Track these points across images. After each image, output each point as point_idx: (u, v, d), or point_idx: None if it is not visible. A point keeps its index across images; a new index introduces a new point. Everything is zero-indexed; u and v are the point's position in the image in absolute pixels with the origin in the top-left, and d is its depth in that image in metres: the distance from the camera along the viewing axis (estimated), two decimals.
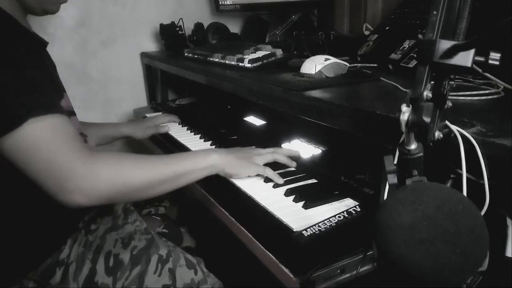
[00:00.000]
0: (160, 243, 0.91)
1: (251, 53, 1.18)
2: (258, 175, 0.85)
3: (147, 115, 1.42)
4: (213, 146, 1.06)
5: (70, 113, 0.94)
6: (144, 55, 1.69)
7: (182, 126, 1.28)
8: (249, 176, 0.85)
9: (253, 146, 0.94)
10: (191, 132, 1.21)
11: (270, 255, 0.63)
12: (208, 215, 0.90)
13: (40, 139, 0.68)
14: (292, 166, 0.88)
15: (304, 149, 0.92)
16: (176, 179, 0.78)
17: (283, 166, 0.89)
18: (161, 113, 1.45)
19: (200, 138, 1.15)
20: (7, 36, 0.75)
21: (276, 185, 0.81)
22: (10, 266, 0.84)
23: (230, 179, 0.85)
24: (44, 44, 0.88)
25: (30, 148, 0.68)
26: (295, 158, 0.90)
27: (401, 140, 0.44)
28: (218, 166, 0.82)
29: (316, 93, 0.79)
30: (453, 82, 0.45)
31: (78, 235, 0.88)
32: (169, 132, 1.23)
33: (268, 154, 0.87)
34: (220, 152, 0.85)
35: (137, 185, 0.74)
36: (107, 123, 1.29)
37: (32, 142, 0.68)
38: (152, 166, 0.77)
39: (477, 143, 0.46)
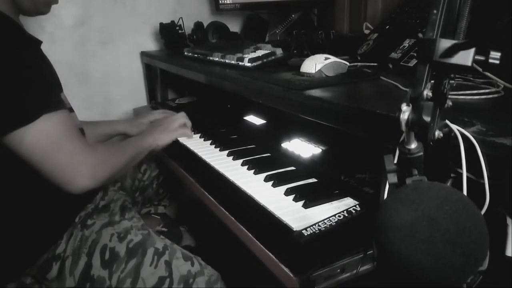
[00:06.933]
0: (156, 238, 0.91)
1: (251, 52, 1.18)
2: (257, 176, 0.86)
3: None
4: (213, 146, 1.06)
5: (69, 110, 0.94)
6: (144, 54, 1.69)
7: None
8: (248, 176, 0.86)
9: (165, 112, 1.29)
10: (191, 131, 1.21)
11: (270, 254, 0.63)
12: (207, 215, 0.90)
13: (58, 132, 0.76)
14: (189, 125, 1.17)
15: (304, 148, 0.92)
16: (136, 158, 0.97)
17: (283, 166, 0.90)
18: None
19: (200, 137, 1.14)
20: (6, 35, 0.76)
21: (275, 184, 0.81)
22: (9, 262, 0.84)
23: (230, 178, 0.85)
24: (38, 42, 0.89)
25: (49, 142, 0.74)
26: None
27: (401, 139, 0.44)
28: (153, 144, 1.02)
29: (316, 92, 0.79)
30: (453, 81, 0.45)
31: (74, 230, 0.88)
32: None
33: (180, 119, 1.14)
34: (151, 133, 1.05)
35: (122, 165, 0.90)
36: (102, 121, 1.28)
37: (50, 135, 0.75)
38: (125, 150, 0.93)
39: (477, 142, 0.45)
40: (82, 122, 1.19)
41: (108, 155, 0.86)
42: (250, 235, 0.69)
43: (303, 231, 0.62)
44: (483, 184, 0.44)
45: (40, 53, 0.88)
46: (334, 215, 0.67)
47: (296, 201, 0.73)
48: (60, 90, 0.91)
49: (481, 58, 0.40)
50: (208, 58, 1.29)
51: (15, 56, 0.75)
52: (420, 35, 0.44)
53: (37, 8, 0.91)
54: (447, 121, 0.47)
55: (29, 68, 0.76)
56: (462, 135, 0.46)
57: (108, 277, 0.84)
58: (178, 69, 1.39)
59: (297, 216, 0.69)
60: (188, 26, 1.65)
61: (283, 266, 0.60)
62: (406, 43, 0.96)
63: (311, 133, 0.96)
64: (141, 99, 1.76)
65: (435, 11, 0.43)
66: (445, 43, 0.41)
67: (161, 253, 0.88)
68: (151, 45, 1.73)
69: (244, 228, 0.71)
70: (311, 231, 0.62)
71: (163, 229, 1.18)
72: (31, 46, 0.83)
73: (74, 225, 0.89)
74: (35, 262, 0.85)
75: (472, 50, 0.40)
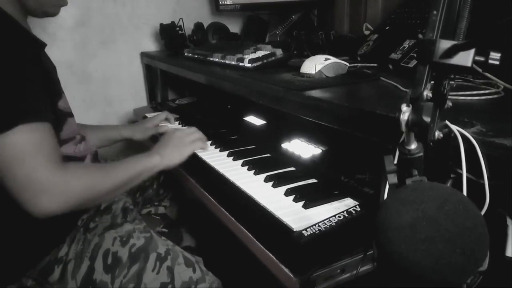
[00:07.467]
0: (159, 242, 0.91)
1: (251, 53, 1.18)
2: (257, 176, 0.86)
3: (147, 115, 1.42)
4: (213, 146, 1.06)
5: (68, 114, 0.94)
6: (144, 55, 1.69)
7: (182, 126, 1.29)
8: (248, 177, 0.86)
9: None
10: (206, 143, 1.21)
11: (270, 254, 0.63)
12: (208, 215, 0.90)
13: (26, 146, 0.70)
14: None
15: (304, 149, 0.92)
16: (131, 182, 0.87)
17: (284, 166, 0.90)
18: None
19: None
20: (6, 38, 0.75)
21: (275, 185, 0.81)
22: (10, 264, 0.84)
23: (230, 179, 0.85)
24: (43, 45, 0.89)
25: (13, 154, 0.69)
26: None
27: (401, 140, 0.44)
28: (162, 165, 0.92)
29: (316, 93, 0.79)
30: (453, 82, 0.45)
31: (76, 234, 0.88)
32: None
33: (195, 133, 1.03)
34: (160, 151, 0.94)
35: (101, 193, 0.80)
36: (108, 125, 1.28)
37: (17, 149, 0.69)
38: (113, 175, 0.83)
39: (477, 142, 0.45)
40: (87, 125, 1.19)
41: (84, 177, 0.77)
42: (250, 235, 0.69)
43: (303, 232, 0.62)
44: (483, 184, 0.44)
45: (43, 58, 0.87)
46: (334, 216, 0.67)
47: (296, 202, 0.73)
48: (57, 97, 0.89)
49: (481, 58, 0.40)
50: (208, 58, 1.29)
51: (5, 61, 0.72)
52: (420, 35, 0.44)
53: (42, 9, 0.89)
54: (447, 122, 0.47)
55: (18, 74, 0.73)
56: (462, 135, 0.46)
57: (110, 282, 0.84)
58: (178, 69, 1.39)
59: (297, 216, 0.69)
60: (188, 27, 1.65)
61: (283, 267, 0.60)
62: (406, 44, 0.96)
63: (311, 134, 0.96)
64: (142, 100, 1.76)
65: (435, 12, 0.43)
66: (445, 44, 0.41)
67: (163, 259, 0.88)
68: (151, 46, 1.73)
69: (244, 229, 0.71)
70: (311, 232, 0.62)
71: (164, 229, 1.19)
72: (29, 50, 0.81)
73: (77, 229, 0.89)
74: (37, 265, 0.85)
75: (472, 51, 0.40)
